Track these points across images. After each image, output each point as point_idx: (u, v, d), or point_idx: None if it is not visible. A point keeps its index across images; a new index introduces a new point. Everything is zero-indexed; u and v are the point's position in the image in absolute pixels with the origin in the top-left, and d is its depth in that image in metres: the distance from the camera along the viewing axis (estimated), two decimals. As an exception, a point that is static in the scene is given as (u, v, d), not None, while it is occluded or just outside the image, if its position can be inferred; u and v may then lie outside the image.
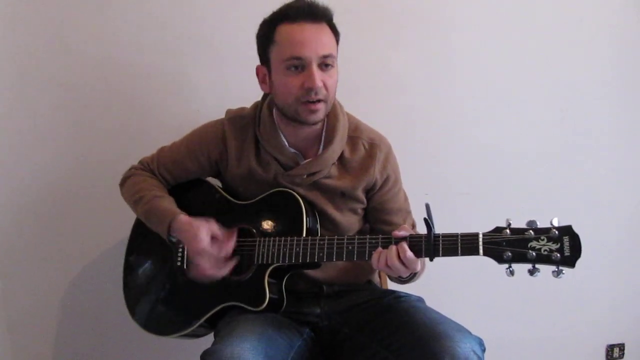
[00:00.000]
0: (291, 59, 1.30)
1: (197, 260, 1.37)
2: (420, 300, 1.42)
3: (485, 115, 1.98)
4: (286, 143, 1.41)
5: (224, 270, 1.37)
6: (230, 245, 1.37)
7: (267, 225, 1.40)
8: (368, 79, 1.88)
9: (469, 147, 1.98)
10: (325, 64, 1.31)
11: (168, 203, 1.46)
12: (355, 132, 1.46)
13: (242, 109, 1.50)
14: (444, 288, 1.91)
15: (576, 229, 1.10)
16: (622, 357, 2.18)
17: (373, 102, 1.86)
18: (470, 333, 1.22)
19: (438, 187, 1.94)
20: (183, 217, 1.40)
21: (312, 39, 1.30)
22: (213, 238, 1.37)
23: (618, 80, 2.05)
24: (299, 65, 1.30)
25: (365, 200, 1.46)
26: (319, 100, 1.32)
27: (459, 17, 1.92)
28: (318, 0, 1.33)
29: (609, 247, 2.08)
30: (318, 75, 1.30)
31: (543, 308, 2.08)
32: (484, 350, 1.21)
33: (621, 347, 2.18)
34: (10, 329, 1.83)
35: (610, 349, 2.17)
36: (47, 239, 1.81)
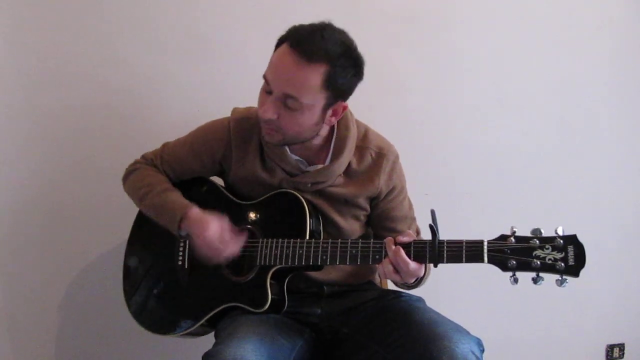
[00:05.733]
0: (264, 78, 1.27)
1: (203, 251, 1.36)
2: (419, 300, 1.42)
3: (485, 115, 1.98)
4: (288, 151, 1.40)
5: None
6: (237, 246, 1.36)
7: (270, 226, 1.39)
8: (368, 79, 1.87)
9: (470, 147, 1.98)
10: (286, 104, 1.25)
11: (178, 196, 1.45)
12: (364, 140, 1.43)
13: (249, 109, 1.46)
14: (443, 288, 1.91)
15: (579, 234, 1.09)
16: (622, 357, 2.19)
17: (374, 103, 1.85)
18: (469, 334, 1.22)
19: (439, 187, 1.94)
20: (196, 210, 1.39)
21: (285, 72, 1.23)
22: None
23: (619, 81, 2.05)
24: (268, 88, 1.26)
25: (368, 208, 1.45)
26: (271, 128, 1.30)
27: (460, 17, 1.92)
28: (330, 39, 1.22)
29: (609, 247, 2.09)
30: (272, 106, 1.25)
31: (543, 308, 2.09)
32: (482, 351, 1.21)
33: (621, 347, 2.18)
34: (10, 329, 1.83)
35: (610, 349, 2.18)
36: (47, 239, 1.81)
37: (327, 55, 1.22)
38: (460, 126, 1.97)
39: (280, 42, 1.27)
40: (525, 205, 2.01)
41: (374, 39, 1.87)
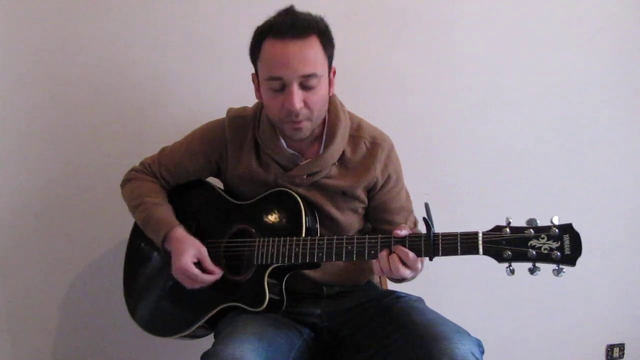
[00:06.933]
0: (271, 79, 1.28)
1: (175, 275, 1.40)
2: (419, 300, 1.42)
3: (485, 114, 1.98)
4: (284, 144, 1.40)
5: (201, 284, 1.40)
6: (208, 279, 1.38)
7: (266, 225, 1.40)
8: (368, 78, 1.88)
9: (470, 147, 1.98)
10: (306, 86, 1.28)
11: (166, 212, 1.46)
12: (358, 131, 1.44)
13: (244, 108, 1.49)
14: (443, 288, 1.91)
15: (580, 234, 1.09)
16: (622, 357, 2.18)
17: (373, 102, 1.86)
18: (469, 334, 1.21)
19: (438, 187, 1.94)
20: (178, 232, 1.41)
21: (294, 58, 1.25)
22: (197, 263, 1.39)
23: (618, 79, 2.05)
24: (280, 85, 1.28)
25: (366, 200, 1.45)
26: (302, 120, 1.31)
27: (460, 17, 1.92)
28: (303, 15, 1.28)
29: (609, 246, 2.08)
30: (298, 96, 1.27)
31: (543, 308, 2.08)
32: (482, 352, 1.21)
33: (621, 347, 2.18)
34: (10, 329, 1.83)
35: (610, 349, 2.17)
36: (47, 239, 1.81)
37: (312, 27, 1.27)
38: (460, 126, 1.97)
39: (261, 40, 1.29)
40: (526, 206, 2.00)
41: (373, 39, 1.88)
